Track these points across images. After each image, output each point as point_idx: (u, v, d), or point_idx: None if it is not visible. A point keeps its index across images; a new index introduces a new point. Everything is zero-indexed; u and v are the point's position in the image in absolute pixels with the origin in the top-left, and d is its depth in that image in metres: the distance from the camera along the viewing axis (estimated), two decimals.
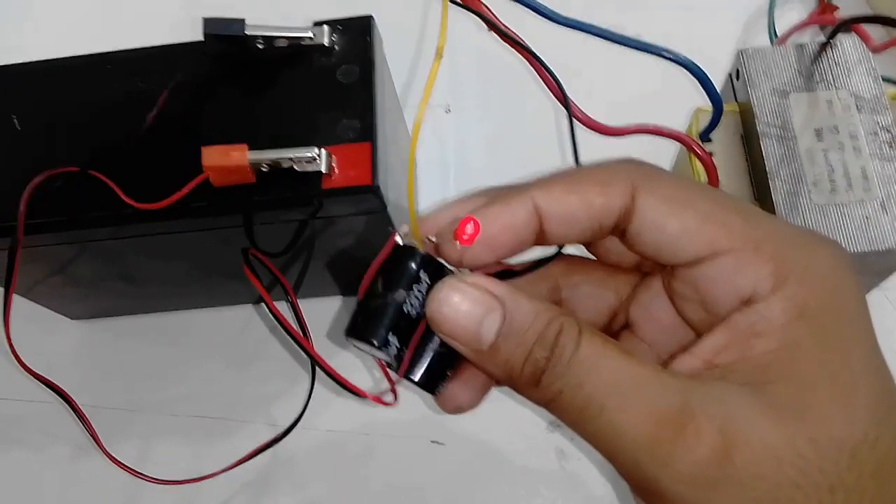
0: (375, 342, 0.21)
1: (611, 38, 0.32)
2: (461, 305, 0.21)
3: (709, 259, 0.21)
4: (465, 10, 0.31)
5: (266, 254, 0.33)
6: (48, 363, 0.42)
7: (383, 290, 0.21)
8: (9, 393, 0.43)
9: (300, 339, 0.30)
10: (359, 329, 0.21)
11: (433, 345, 0.22)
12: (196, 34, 0.35)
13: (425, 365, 0.23)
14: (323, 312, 0.43)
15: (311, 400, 0.40)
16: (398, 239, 0.22)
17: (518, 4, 0.31)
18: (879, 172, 0.33)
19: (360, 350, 0.22)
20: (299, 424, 0.41)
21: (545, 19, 0.31)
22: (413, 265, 0.21)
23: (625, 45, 0.31)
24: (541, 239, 0.22)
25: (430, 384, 0.23)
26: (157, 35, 0.37)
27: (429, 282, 0.22)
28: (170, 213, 0.31)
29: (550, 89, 0.32)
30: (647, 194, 0.21)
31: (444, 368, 0.23)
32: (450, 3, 0.29)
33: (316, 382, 0.41)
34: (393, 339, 0.21)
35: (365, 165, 0.31)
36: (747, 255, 0.21)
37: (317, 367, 0.33)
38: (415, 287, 0.21)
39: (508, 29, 0.32)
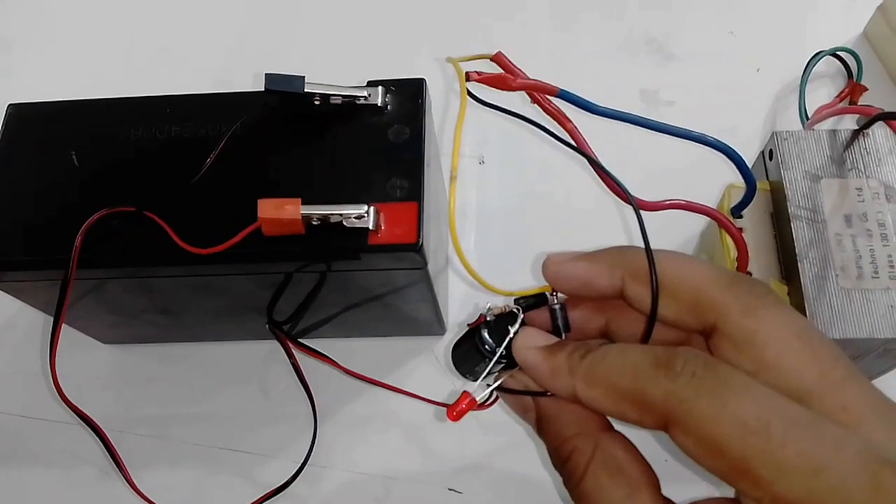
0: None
1: (647, 125, 0.33)
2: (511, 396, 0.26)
3: (738, 493, 0.21)
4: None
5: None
6: (78, 385, 0.44)
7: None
8: (40, 412, 0.44)
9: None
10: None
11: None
12: (240, 84, 0.37)
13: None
14: (361, 351, 0.43)
15: (316, 439, 0.41)
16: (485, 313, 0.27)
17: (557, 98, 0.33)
18: None
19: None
20: (318, 463, 0.42)
21: (582, 111, 0.33)
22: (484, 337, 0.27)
23: (662, 131, 0.33)
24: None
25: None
26: (201, 83, 0.38)
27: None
28: (220, 258, 0.32)
29: (593, 165, 0.33)
30: (676, 430, 0.21)
31: None
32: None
33: (334, 422, 0.42)
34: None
35: (411, 224, 0.32)
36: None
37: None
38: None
39: (551, 104, 0.34)
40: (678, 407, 0.20)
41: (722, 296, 0.22)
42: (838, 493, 0.19)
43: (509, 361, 0.26)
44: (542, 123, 0.31)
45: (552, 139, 0.33)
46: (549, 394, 0.25)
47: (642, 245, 0.24)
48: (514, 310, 0.27)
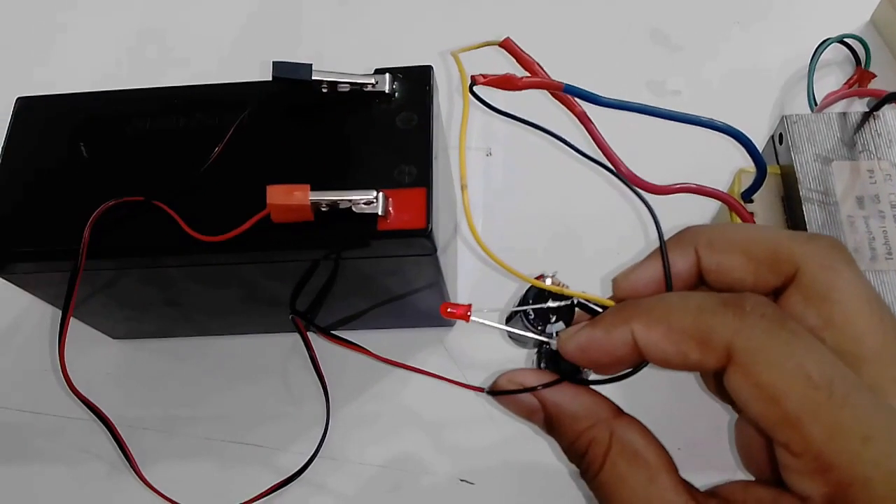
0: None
1: (654, 113, 0.32)
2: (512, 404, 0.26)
3: (778, 447, 0.20)
4: (508, 57, 0.33)
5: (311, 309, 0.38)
6: (88, 381, 0.43)
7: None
8: (49, 408, 0.44)
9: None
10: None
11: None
12: (248, 73, 0.37)
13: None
14: (370, 343, 0.43)
15: (328, 431, 0.41)
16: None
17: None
18: None
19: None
20: (331, 455, 0.42)
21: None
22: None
23: (670, 119, 0.32)
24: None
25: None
26: (209, 73, 0.38)
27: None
28: (229, 246, 0.32)
29: (603, 150, 0.33)
30: (736, 370, 0.20)
31: None
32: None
33: (345, 415, 0.42)
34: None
35: (420, 210, 0.32)
36: (809, 468, 0.20)
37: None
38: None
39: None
40: (745, 345, 0.20)
41: (802, 247, 0.22)
42: (883, 466, 0.19)
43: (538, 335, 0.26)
44: (551, 120, 0.31)
45: (559, 130, 0.33)
46: (538, 387, 0.25)
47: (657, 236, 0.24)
48: (571, 303, 0.27)
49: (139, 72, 0.55)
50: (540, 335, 0.26)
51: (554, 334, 0.26)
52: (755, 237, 0.23)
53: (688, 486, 0.22)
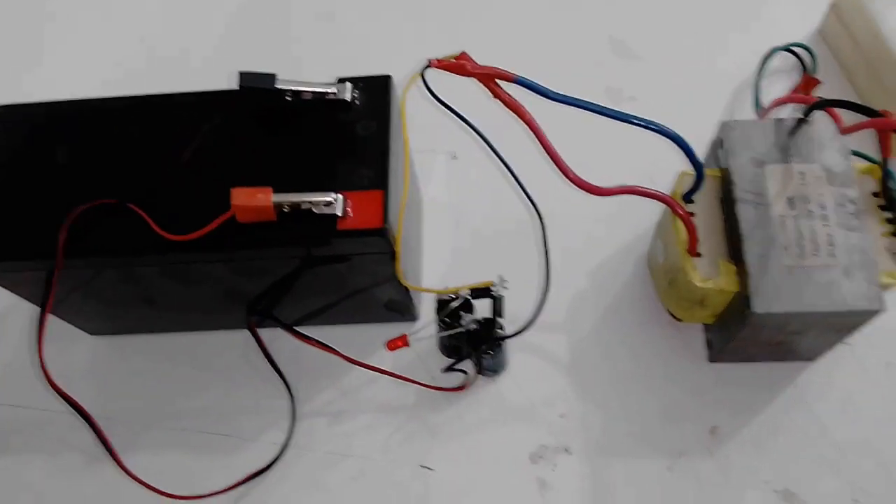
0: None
1: (600, 111, 0.35)
2: None
3: None
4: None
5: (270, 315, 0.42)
6: (67, 375, 0.45)
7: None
8: (28, 401, 0.46)
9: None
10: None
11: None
12: (217, 83, 0.39)
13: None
14: (336, 338, 0.44)
15: (295, 422, 0.44)
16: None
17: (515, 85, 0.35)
18: (844, 241, 0.36)
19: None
20: (299, 445, 0.44)
21: (541, 97, 0.35)
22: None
23: (614, 118, 0.35)
24: None
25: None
26: (180, 82, 0.41)
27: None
28: (197, 244, 0.34)
29: (550, 155, 0.35)
30: None
31: None
32: None
33: (312, 406, 0.44)
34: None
35: (377, 210, 0.34)
36: None
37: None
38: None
39: (509, 97, 0.35)
40: None
41: None
42: None
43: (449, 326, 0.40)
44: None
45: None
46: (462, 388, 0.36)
47: None
48: (465, 296, 0.40)
49: (114, 81, 0.57)
50: (461, 327, 0.39)
51: (468, 321, 0.40)
52: None
53: None
